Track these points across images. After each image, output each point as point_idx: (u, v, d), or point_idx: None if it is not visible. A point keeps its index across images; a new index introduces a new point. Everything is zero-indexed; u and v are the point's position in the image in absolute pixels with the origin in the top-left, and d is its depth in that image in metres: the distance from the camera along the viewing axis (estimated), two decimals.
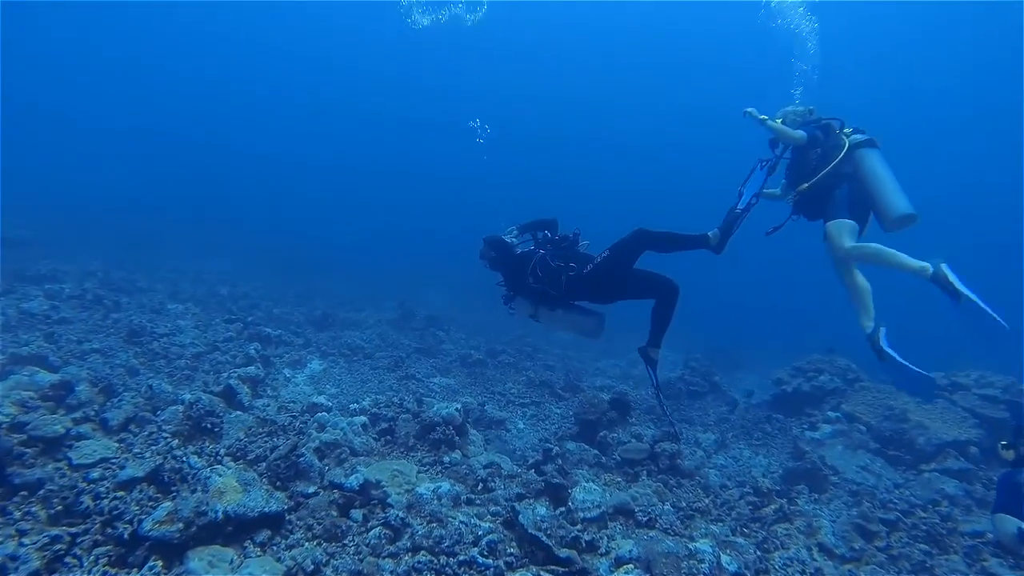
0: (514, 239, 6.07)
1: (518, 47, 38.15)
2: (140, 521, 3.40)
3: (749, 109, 5.86)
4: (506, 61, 39.51)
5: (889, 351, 5.20)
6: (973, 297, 4.77)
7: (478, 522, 4.20)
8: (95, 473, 3.98)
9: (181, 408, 4.92)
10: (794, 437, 7.56)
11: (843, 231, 5.35)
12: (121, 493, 3.77)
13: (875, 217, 5.52)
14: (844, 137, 5.69)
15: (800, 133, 5.65)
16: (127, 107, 41.27)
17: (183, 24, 36.26)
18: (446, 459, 5.42)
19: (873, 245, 5.28)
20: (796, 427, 8.06)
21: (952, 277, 4.92)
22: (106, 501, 3.61)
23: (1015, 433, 4.04)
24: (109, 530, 3.38)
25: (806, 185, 5.63)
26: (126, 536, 3.33)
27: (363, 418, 5.60)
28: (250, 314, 11.01)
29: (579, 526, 4.31)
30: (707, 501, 5.52)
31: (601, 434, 7.05)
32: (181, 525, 3.36)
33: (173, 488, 3.95)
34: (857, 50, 26.42)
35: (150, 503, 3.67)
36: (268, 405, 5.91)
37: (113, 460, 4.20)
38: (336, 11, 36.23)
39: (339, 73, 41.43)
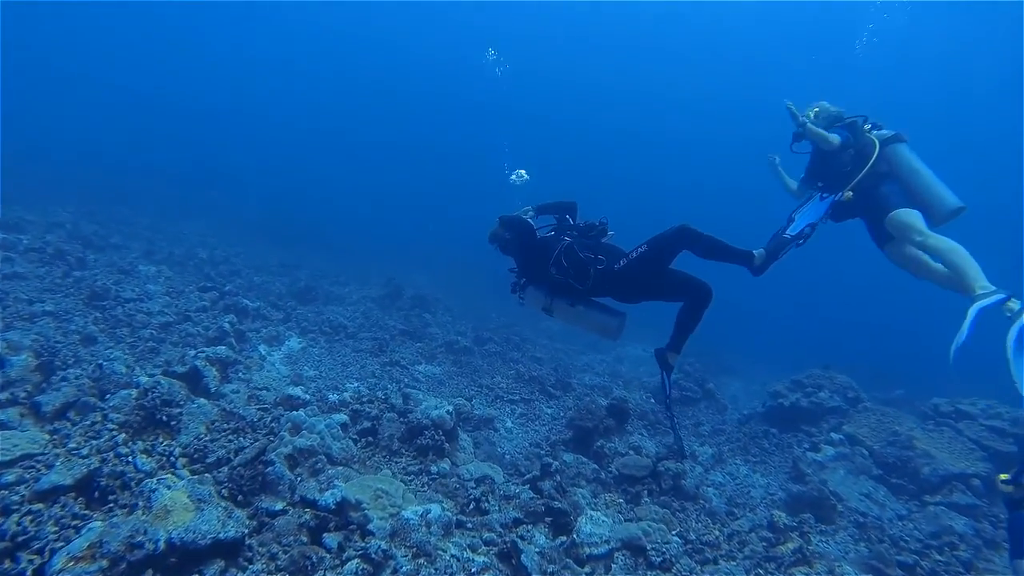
0: (531, 221, 5.30)
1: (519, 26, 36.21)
2: (53, 552, 2.60)
3: (789, 103, 5.46)
4: (508, 39, 37.51)
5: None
6: None
7: (471, 556, 3.49)
8: (10, 476, 3.14)
9: (134, 394, 4.08)
10: (794, 458, 6.97)
11: (915, 217, 4.89)
12: (39, 506, 2.94)
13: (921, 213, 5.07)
14: (871, 135, 5.35)
15: (835, 137, 5.20)
16: (123, 68, 38.90)
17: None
18: (434, 469, 4.68)
19: (958, 245, 4.67)
20: (795, 445, 7.47)
21: None
22: (14, 518, 2.78)
23: (1019, 470, 3.65)
24: (7, 564, 2.55)
25: (850, 193, 5.17)
26: (29, 574, 2.51)
27: (343, 415, 4.81)
28: (229, 282, 10.08)
29: (587, 568, 3.61)
30: (716, 533, 4.88)
31: (598, 443, 6.38)
32: (105, 564, 2.55)
33: (110, 498, 3.14)
34: (857, 50, 25.53)
35: (74, 523, 2.86)
36: (238, 392, 5.08)
37: (39, 458, 3.35)
38: None
39: (340, 46, 39.49)
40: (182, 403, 4.19)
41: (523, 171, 5.39)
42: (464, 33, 36.14)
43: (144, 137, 29.16)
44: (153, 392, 4.08)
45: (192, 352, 5.18)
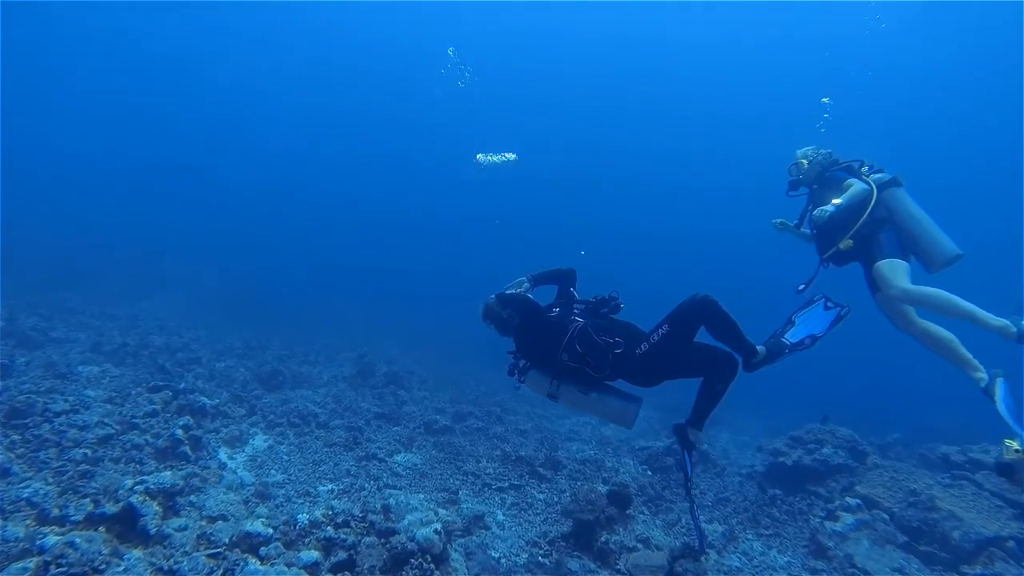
0: (528, 294, 4.57)
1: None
2: None
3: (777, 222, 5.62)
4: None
5: (1003, 411, 4.33)
6: None
7: None
8: None
9: (34, 565, 3.04)
10: (812, 530, 6.19)
11: (897, 270, 4.72)
12: None
13: (918, 260, 4.99)
14: (869, 179, 5.17)
15: (861, 185, 5.04)
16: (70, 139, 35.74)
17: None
18: None
19: (937, 290, 4.55)
20: (809, 513, 6.70)
21: None
22: None
23: None
24: None
25: (850, 242, 4.98)
26: None
27: (313, 553, 3.81)
28: (187, 371, 8.96)
29: None
30: None
31: (602, 539, 5.47)
32: None
33: None
34: (855, 51, 25.03)
35: None
36: (185, 530, 4.03)
37: None
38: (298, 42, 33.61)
39: (299, 103, 36.78)
40: (103, 568, 3.16)
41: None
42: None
43: (92, 213, 26.28)
44: (63, 560, 3.05)
45: (128, 483, 4.13)
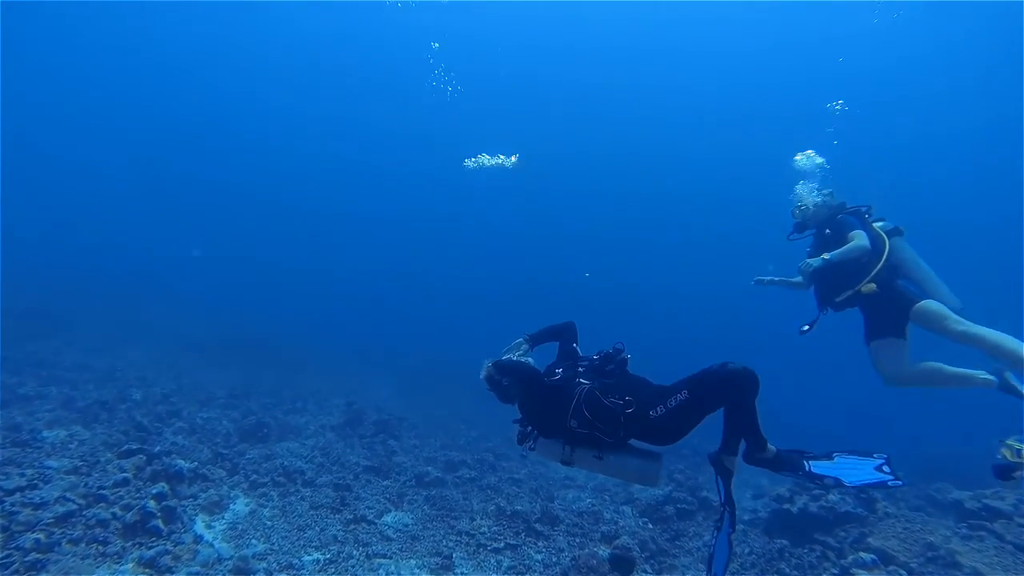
0: (528, 357, 4.16)
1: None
2: None
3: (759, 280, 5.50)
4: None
5: None
6: None
7: None
8: None
9: None
10: None
11: (942, 309, 4.52)
12: None
13: None
14: (876, 228, 5.03)
15: (864, 243, 4.78)
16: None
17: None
18: None
19: (993, 331, 4.31)
20: (821, 566, 6.19)
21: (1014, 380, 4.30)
22: None
23: None
24: None
25: (872, 285, 4.73)
26: None
27: None
28: (166, 427, 8.27)
29: None
30: None
31: None
32: None
33: None
34: (855, 51, 23.38)
35: None
36: None
37: None
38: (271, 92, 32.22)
39: (279, 136, 34.09)
40: None
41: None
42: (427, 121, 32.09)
43: (73, 249, 24.54)
44: None
45: None
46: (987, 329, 4.35)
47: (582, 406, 3.55)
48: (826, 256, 4.76)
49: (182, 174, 33.45)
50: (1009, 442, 3.87)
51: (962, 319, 4.43)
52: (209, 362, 13.32)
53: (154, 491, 5.57)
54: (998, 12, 19.58)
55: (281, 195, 34.41)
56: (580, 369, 3.94)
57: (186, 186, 33.70)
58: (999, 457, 3.87)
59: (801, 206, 5.42)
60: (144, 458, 6.22)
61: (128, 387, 9.53)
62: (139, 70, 29.94)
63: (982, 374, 4.50)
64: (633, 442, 3.69)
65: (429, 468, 8.48)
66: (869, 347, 4.91)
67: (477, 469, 9.02)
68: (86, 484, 5.46)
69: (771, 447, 3.43)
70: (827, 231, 5.17)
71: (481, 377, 3.90)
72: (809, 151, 6.17)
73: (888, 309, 4.72)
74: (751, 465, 3.43)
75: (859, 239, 4.81)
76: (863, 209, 5.20)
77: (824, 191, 5.43)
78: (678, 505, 8.04)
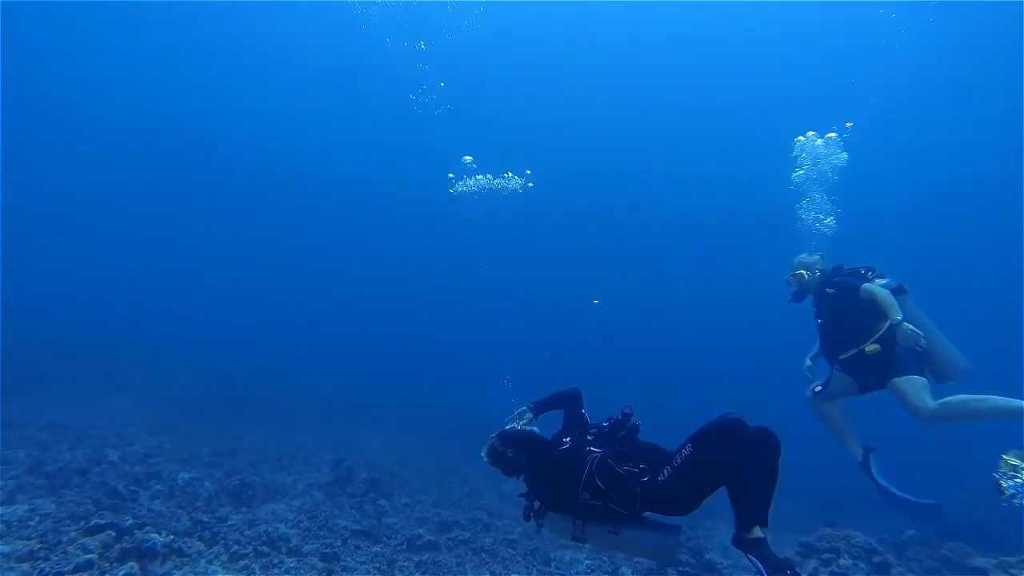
0: (533, 426, 3.85)
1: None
2: None
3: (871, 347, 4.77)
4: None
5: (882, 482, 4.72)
6: None
7: None
8: None
9: None
10: None
11: (919, 387, 4.39)
12: None
13: (930, 371, 4.66)
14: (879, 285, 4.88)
15: (887, 292, 4.72)
16: None
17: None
18: None
19: (963, 397, 4.22)
20: None
21: None
22: None
23: None
24: None
25: (876, 346, 4.60)
26: None
27: None
28: (144, 491, 7.57)
29: None
30: None
31: None
32: None
33: None
34: (854, 52, 21.22)
35: None
36: None
37: None
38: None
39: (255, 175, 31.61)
40: None
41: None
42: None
43: (43, 306, 21.55)
44: None
45: None
46: (955, 404, 4.21)
47: (595, 476, 3.20)
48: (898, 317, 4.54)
49: (162, 221, 31.14)
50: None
51: (931, 401, 4.30)
52: (195, 417, 12.53)
53: (121, 573, 4.92)
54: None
55: (268, 244, 32.08)
56: (589, 437, 3.59)
57: (168, 233, 31.35)
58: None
59: (796, 274, 5.32)
60: (112, 534, 5.55)
61: (105, 447, 8.80)
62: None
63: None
64: (648, 514, 3.29)
65: (421, 530, 7.84)
66: (835, 379, 5.02)
67: (470, 530, 8.38)
68: (41, 572, 4.79)
69: (762, 533, 2.86)
70: (829, 290, 5.03)
71: (483, 453, 3.56)
72: (810, 132, 6.29)
73: (875, 369, 4.67)
74: (736, 547, 2.92)
75: (884, 291, 4.71)
76: (862, 270, 5.08)
77: (815, 255, 5.40)
78: (680, 568, 7.47)
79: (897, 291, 4.84)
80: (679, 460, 3.05)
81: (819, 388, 5.01)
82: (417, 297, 30.30)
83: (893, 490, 4.78)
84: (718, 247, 28.28)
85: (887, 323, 4.58)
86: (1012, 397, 4.05)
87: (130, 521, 5.86)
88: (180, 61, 27.46)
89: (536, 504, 3.51)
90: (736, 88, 25.48)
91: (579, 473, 3.26)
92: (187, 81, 28.11)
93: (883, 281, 4.92)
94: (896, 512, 4.85)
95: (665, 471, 3.09)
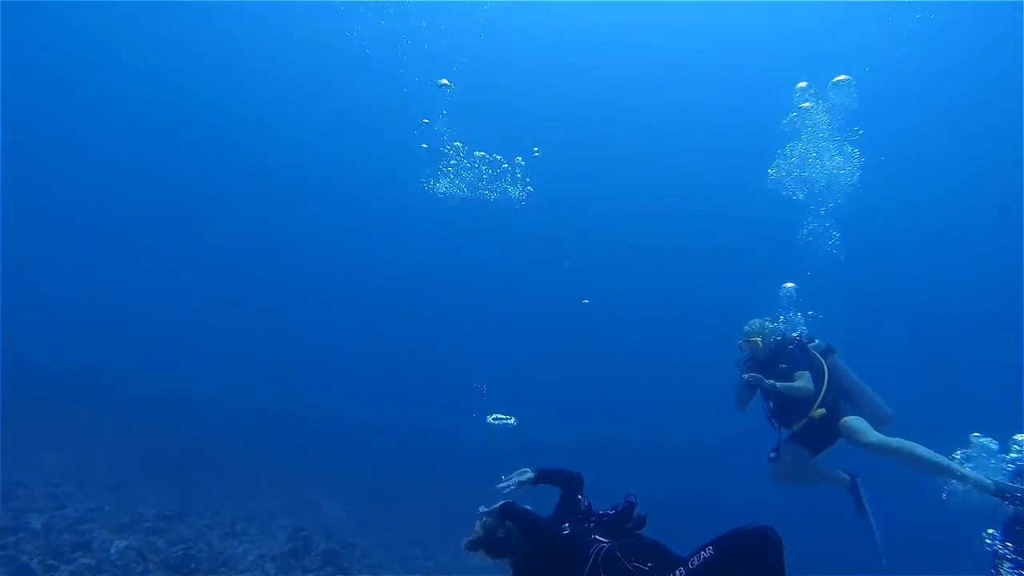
0: (526, 487, 3.30)
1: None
2: None
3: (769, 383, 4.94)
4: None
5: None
6: None
7: None
8: None
9: None
10: None
11: (865, 423, 4.70)
12: None
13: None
14: (818, 356, 5.10)
15: (808, 384, 4.86)
16: None
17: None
18: None
19: (910, 442, 4.55)
20: None
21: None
22: None
23: None
24: None
25: (823, 410, 4.83)
26: None
27: None
28: (65, 566, 6.23)
29: None
30: None
31: None
32: None
33: None
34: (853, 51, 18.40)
35: None
36: None
37: None
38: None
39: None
40: None
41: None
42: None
43: None
44: None
45: None
46: (901, 441, 4.54)
47: (599, 570, 2.64)
48: (777, 385, 4.82)
49: (115, 265, 27.97)
50: None
51: (876, 434, 4.61)
52: (146, 473, 10.99)
53: None
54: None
55: (231, 292, 28.74)
56: (591, 524, 3.05)
57: (122, 275, 28.01)
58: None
59: (751, 341, 5.18)
60: None
61: (29, 511, 7.37)
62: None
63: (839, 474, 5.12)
64: None
65: None
66: (785, 449, 5.05)
67: None
68: None
69: None
70: (783, 366, 5.03)
71: (477, 525, 2.89)
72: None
73: (827, 429, 4.84)
74: None
75: (805, 381, 4.85)
76: (805, 340, 5.19)
77: (768, 324, 5.29)
78: None
79: (826, 352, 5.11)
80: (696, 563, 2.49)
81: (772, 454, 5.09)
82: (389, 351, 28.05)
83: (872, 522, 4.97)
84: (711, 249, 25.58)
85: (824, 388, 4.85)
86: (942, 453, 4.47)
87: None
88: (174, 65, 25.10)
89: None
90: (733, 88, 23.09)
91: (582, 564, 2.66)
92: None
93: (813, 344, 5.16)
94: (863, 536, 5.05)
95: (679, 572, 2.52)
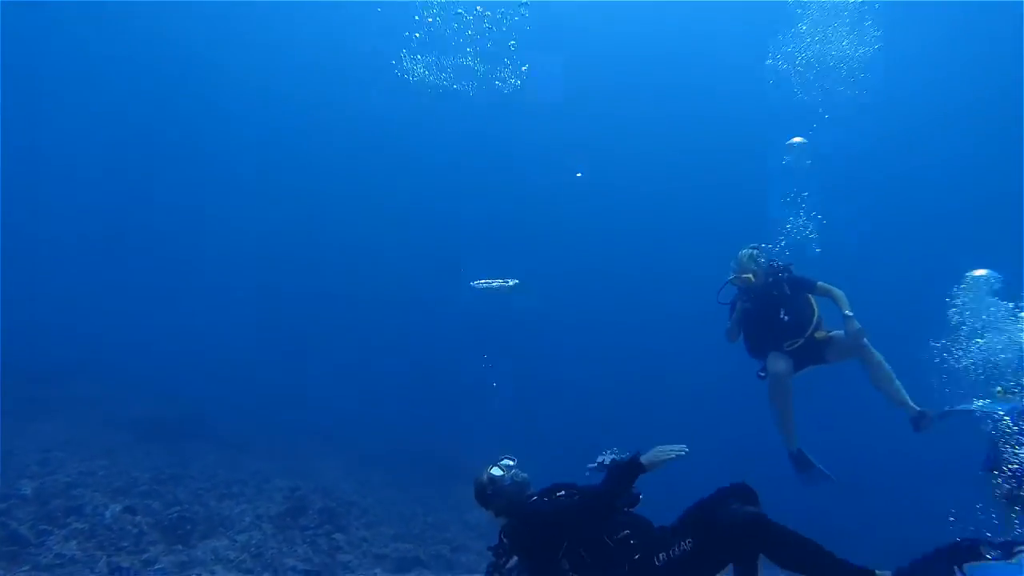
0: (519, 479, 3.01)
1: None
2: None
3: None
4: None
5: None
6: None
7: None
8: None
9: None
10: None
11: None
12: None
13: None
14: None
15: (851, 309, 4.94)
16: None
17: None
18: None
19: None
20: None
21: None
22: None
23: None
24: None
25: (825, 333, 5.06)
26: None
27: None
28: (56, 531, 5.98)
29: None
30: None
31: None
32: None
33: None
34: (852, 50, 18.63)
35: None
36: None
37: None
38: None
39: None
40: None
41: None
42: None
43: None
44: None
45: None
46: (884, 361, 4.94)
47: (579, 544, 2.64)
48: (850, 313, 4.84)
49: (110, 235, 26.82)
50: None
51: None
52: (141, 438, 10.71)
53: None
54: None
55: (226, 258, 27.64)
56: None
57: (118, 245, 26.83)
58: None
59: (745, 276, 5.07)
60: None
61: (21, 477, 7.06)
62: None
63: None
64: None
65: (377, 571, 6.56)
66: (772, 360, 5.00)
67: (432, 567, 7.13)
68: None
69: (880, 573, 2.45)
70: (786, 290, 5.05)
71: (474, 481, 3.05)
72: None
73: (814, 350, 5.02)
74: None
75: (837, 288, 4.99)
76: (790, 266, 5.23)
77: (757, 254, 5.23)
78: None
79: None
80: (677, 552, 2.56)
81: (761, 373, 5.10)
82: (386, 311, 27.42)
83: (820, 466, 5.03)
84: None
85: (815, 315, 5.02)
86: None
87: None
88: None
89: (508, 562, 2.78)
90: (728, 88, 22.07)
91: (559, 539, 2.66)
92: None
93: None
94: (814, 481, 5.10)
95: (661, 556, 2.57)
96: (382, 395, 20.16)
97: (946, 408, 4.50)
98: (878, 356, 4.87)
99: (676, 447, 2.70)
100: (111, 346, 17.67)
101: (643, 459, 2.66)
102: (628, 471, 2.65)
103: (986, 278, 4.98)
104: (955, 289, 5.18)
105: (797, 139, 6.38)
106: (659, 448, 2.69)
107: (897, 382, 4.86)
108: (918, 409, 4.73)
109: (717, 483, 2.85)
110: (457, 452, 12.45)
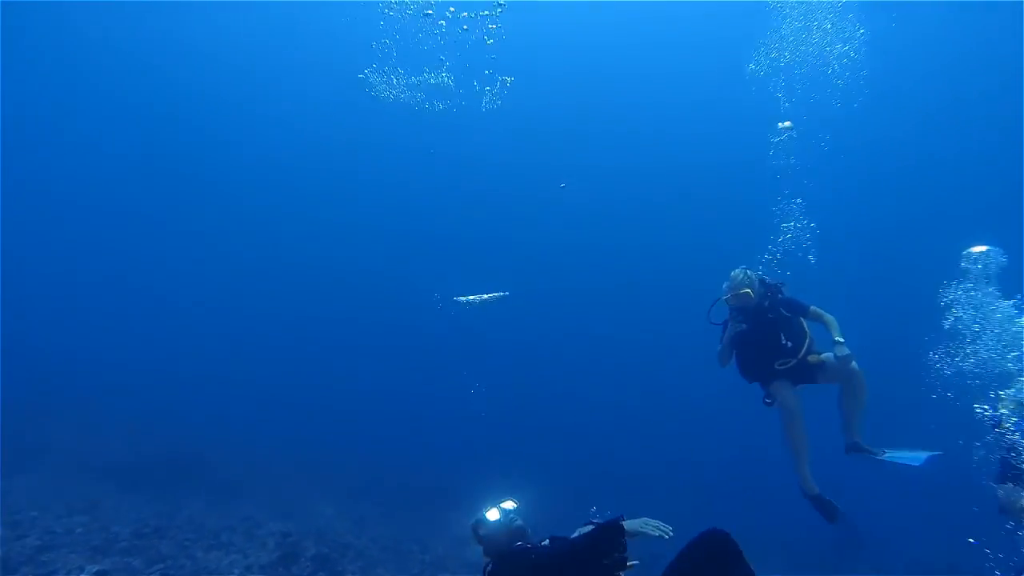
0: (514, 526, 2.93)
1: None
2: None
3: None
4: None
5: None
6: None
7: None
8: None
9: None
10: None
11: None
12: None
13: None
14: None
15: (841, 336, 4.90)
16: None
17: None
18: None
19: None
20: None
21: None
22: None
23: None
24: None
25: (818, 356, 4.99)
26: None
27: None
28: None
29: None
30: None
31: None
32: None
33: None
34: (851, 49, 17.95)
35: None
36: None
37: None
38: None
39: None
40: None
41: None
42: None
43: None
44: None
45: None
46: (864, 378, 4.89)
47: None
48: (840, 339, 4.79)
49: (94, 264, 25.96)
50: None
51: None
52: (124, 488, 10.08)
53: None
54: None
55: (215, 290, 26.74)
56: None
57: (100, 275, 25.89)
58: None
59: (742, 293, 4.95)
60: None
61: None
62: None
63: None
64: None
65: None
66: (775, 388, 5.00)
67: None
68: None
69: None
70: (783, 311, 4.99)
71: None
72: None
73: (805, 370, 5.00)
74: None
75: (829, 314, 4.94)
76: (782, 286, 5.17)
77: (750, 272, 5.11)
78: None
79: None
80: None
81: (767, 400, 5.05)
82: (378, 345, 26.55)
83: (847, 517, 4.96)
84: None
85: (808, 339, 4.99)
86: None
87: None
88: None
89: None
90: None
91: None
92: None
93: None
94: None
95: None
96: (367, 423, 19.44)
97: (884, 454, 4.76)
98: (864, 383, 4.85)
99: (664, 527, 2.65)
100: (89, 386, 16.83)
101: (626, 524, 2.60)
102: (608, 531, 2.57)
103: (985, 254, 4.96)
104: (960, 268, 5.13)
105: (786, 123, 6.64)
106: (646, 520, 2.66)
107: (861, 413, 4.90)
108: (858, 441, 4.86)
109: (710, 492, 2.74)
110: (449, 474, 12.06)
